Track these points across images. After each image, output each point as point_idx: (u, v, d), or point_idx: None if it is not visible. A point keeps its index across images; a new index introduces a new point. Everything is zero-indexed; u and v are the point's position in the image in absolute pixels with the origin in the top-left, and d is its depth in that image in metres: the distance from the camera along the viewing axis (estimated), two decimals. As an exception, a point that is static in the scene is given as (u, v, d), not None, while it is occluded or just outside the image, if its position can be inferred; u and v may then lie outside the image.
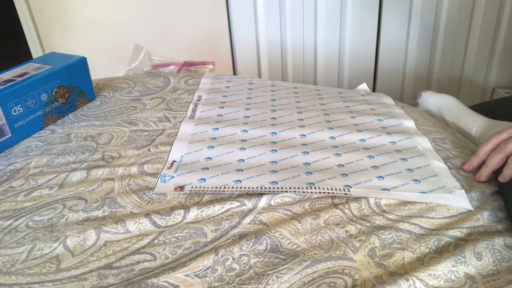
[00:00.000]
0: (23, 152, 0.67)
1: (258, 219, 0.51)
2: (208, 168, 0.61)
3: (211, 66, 1.54)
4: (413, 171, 0.59)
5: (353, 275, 0.43)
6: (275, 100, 0.83)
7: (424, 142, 0.67)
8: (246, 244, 0.47)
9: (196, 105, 0.80)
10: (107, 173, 0.60)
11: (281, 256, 0.46)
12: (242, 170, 0.60)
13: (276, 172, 0.59)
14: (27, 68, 0.75)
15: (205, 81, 0.92)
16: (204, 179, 0.58)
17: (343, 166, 0.61)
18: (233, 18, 1.49)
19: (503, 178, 0.54)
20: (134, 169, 0.61)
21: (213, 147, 0.66)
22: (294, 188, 0.56)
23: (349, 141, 0.67)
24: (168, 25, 1.50)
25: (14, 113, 0.69)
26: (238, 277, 0.43)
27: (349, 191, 0.55)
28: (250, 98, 0.83)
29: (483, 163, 0.58)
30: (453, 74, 1.55)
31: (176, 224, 0.51)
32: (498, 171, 0.56)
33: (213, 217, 0.51)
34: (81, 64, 0.81)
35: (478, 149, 0.60)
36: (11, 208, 0.54)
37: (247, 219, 0.51)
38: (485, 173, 0.57)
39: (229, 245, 0.47)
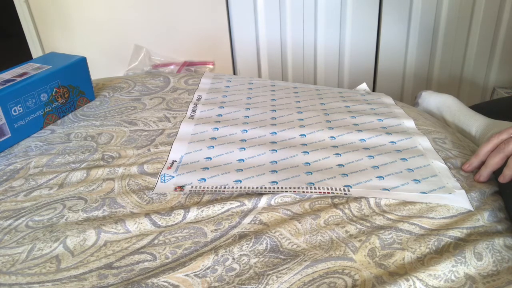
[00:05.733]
0: (23, 152, 0.67)
1: (258, 219, 0.51)
2: (208, 168, 0.61)
3: (211, 66, 1.54)
4: (413, 171, 0.59)
5: (353, 275, 0.43)
6: (275, 100, 0.83)
7: (424, 142, 0.67)
8: (246, 244, 0.47)
9: (196, 105, 0.80)
10: (107, 173, 0.60)
11: (281, 256, 0.46)
12: (242, 170, 0.60)
13: (276, 172, 0.59)
14: (27, 68, 0.75)
15: (205, 81, 0.92)
16: (204, 179, 0.58)
17: (343, 166, 0.61)
18: (233, 18, 1.49)
19: (503, 178, 0.54)
20: (134, 169, 0.61)
21: (213, 147, 0.66)
22: (294, 188, 0.55)
23: (349, 141, 0.67)
24: (168, 25, 1.50)
25: (14, 113, 0.69)
26: (238, 277, 0.43)
27: (349, 191, 0.55)
28: (250, 98, 0.83)
29: (483, 163, 0.58)
30: (453, 74, 1.55)
31: (176, 224, 0.51)
32: (498, 172, 0.56)
33: (213, 217, 0.51)
34: (81, 64, 0.81)
35: (478, 149, 0.60)
36: (11, 208, 0.54)
37: (247, 219, 0.51)
38: (485, 173, 0.57)
39: (229, 245, 0.47)
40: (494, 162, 0.56)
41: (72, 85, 0.79)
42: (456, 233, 0.48)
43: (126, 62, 1.52)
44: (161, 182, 0.58)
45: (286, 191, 0.55)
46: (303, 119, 0.74)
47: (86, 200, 0.55)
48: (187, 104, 0.81)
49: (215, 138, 0.68)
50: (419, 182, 0.57)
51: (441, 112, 0.84)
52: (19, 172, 0.62)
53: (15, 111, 0.69)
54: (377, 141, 0.67)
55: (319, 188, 0.56)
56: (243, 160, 0.62)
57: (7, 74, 0.73)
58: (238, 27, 1.50)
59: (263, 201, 0.53)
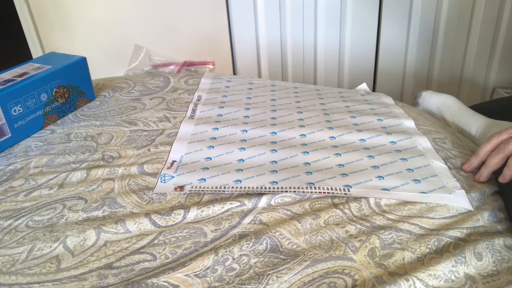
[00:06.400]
0: (23, 152, 0.67)
1: (258, 219, 0.51)
2: (208, 168, 0.61)
3: (211, 66, 1.54)
4: (413, 171, 0.59)
5: (353, 275, 0.43)
6: (275, 100, 0.83)
7: (424, 142, 0.67)
8: (246, 244, 0.47)
9: (196, 105, 0.80)
10: (107, 173, 0.60)
11: (281, 256, 0.46)
12: (242, 170, 0.60)
13: (276, 172, 0.59)
14: (27, 68, 0.75)
15: (205, 81, 0.92)
16: (204, 179, 0.58)
17: (343, 166, 0.61)
18: (233, 18, 1.49)
19: (503, 179, 0.54)
20: (134, 169, 0.61)
21: (213, 147, 0.66)
22: (294, 188, 0.55)
23: (349, 141, 0.67)
24: (168, 25, 1.50)
25: (14, 113, 0.69)
26: (238, 277, 0.43)
27: (349, 191, 0.55)
28: (250, 98, 0.83)
29: (483, 163, 0.58)
30: (453, 74, 1.55)
31: (176, 224, 0.51)
32: (498, 172, 0.56)
33: (213, 217, 0.51)
34: (81, 64, 0.81)
35: (478, 149, 0.60)
36: (11, 208, 0.54)
37: (247, 219, 0.51)
38: (485, 173, 0.57)
39: (229, 245, 0.47)
40: (494, 162, 0.56)
41: (72, 85, 0.79)
42: (456, 233, 0.48)
43: (126, 62, 1.51)
44: (161, 182, 0.58)
45: (286, 191, 0.55)
46: (303, 119, 0.74)
47: (86, 200, 0.55)
48: (187, 104, 0.81)
49: (215, 138, 0.68)
50: (419, 182, 0.57)
51: (441, 112, 0.84)
52: (19, 172, 0.62)
53: (15, 111, 0.69)
54: (377, 141, 0.67)
55: (319, 188, 0.56)
56: (243, 160, 0.62)
57: (7, 74, 0.73)
58: (238, 27, 1.50)
59: (263, 201, 0.53)
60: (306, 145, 0.66)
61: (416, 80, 1.56)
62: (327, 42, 1.51)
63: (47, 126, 0.75)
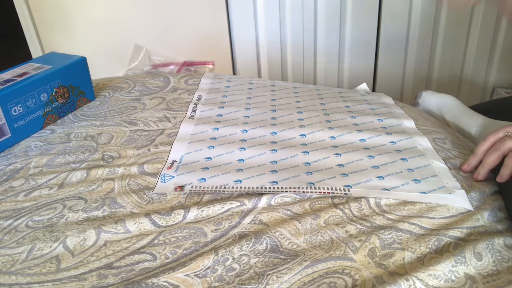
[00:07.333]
0: (23, 152, 0.67)
1: (258, 219, 0.51)
2: (208, 168, 0.61)
3: (211, 66, 1.54)
4: (413, 171, 0.59)
5: (353, 275, 0.43)
6: (275, 100, 0.83)
7: (424, 142, 0.67)
8: (246, 244, 0.47)
9: (196, 105, 0.80)
10: (107, 173, 0.60)
11: (281, 256, 0.46)
12: (242, 170, 0.60)
13: (276, 172, 0.59)
14: (27, 68, 0.75)
15: (205, 81, 0.92)
16: (204, 179, 0.58)
17: (343, 166, 0.61)
18: (233, 18, 1.49)
19: (500, 178, 0.54)
20: (134, 169, 0.61)
21: (213, 147, 0.66)
22: (294, 188, 0.56)
23: (349, 141, 0.67)
24: (168, 25, 1.50)
25: (14, 113, 0.69)
26: (238, 277, 0.43)
27: (349, 191, 0.55)
28: (250, 98, 0.83)
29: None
30: (453, 74, 1.55)
31: (176, 224, 0.51)
32: (497, 171, 0.56)
33: (213, 217, 0.51)
34: (81, 64, 0.81)
35: (475, 148, 0.60)
36: (11, 208, 0.54)
37: (247, 219, 0.51)
38: (482, 172, 0.57)
39: (229, 245, 0.47)
40: (491, 161, 0.56)
41: (72, 85, 0.79)
42: (456, 233, 0.48)
43: (126, 62, 1.52)
44: (161, 182, 0.58)
45: (286, 191, 0.55)
46: (303, 119, 0.74)
47: (86, 200, 0.55)
48: (187, 104, 0.81)
49: (215, 138, 0.68)
50: (419, 182, 0.57)
51: (441, 112, 0.84)
52: (19, 172, 0.62)
53: (15, 111, 0.69)
54: (377, 141, 0.67)
55: (319, 188, 0.56)
56: (243, 160, 0.62)
57: (7, 74, 0.73)
58: (238, 27, 1.50)
59: (263, 201, 0.53)
60: (306, 145, 0.66)
61: (416, 80, 1.56)
62: (327, 42, 1.51)
63: (47, 126, 0.75)
